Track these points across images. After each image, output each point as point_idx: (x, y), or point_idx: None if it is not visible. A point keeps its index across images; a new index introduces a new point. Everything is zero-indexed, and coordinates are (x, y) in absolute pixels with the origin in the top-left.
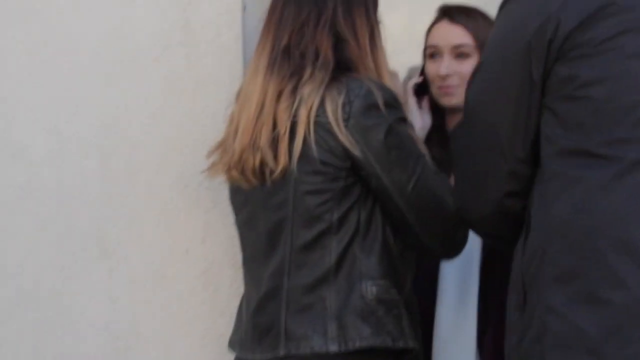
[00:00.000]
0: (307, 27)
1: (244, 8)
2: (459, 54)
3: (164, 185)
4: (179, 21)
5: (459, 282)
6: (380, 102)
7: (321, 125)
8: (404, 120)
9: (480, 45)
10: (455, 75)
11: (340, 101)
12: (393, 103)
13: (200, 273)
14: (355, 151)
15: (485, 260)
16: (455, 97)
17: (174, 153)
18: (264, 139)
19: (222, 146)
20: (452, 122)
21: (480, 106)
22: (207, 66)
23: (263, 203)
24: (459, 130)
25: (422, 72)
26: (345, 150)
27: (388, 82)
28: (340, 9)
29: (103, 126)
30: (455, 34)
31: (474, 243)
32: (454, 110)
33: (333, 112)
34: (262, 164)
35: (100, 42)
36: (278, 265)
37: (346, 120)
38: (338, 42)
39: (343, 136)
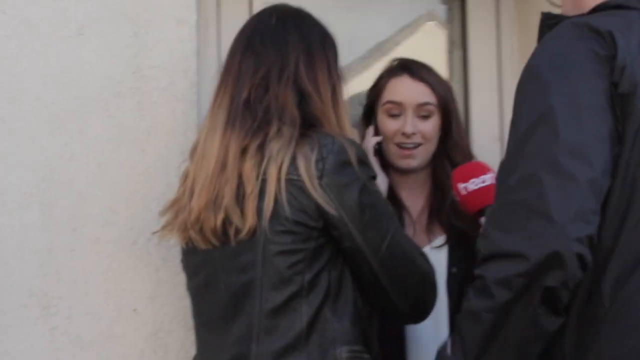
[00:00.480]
0: (270, 82)
1: (198, 53)
2: (422, 112)
3: (111, 240)
4: (130, 66)
5: (429, 344)
6: (353, 159)
7: (293, 183)
8: (374, 178)
9: (440, 104)
10: (418, 133)
11: (312, 158)
12: (365, 160)
13: (149, 334)
14: (330, 210)
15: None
16: (415, 160)
17: (122, 206)
18: (229, 198)
19: (175, 205)
20: (403, 183)
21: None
22: (160, 115)
23: (225, 265)
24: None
25: (376, 128)
26: (319, 209)
27: (352, 137)
28: (302, 65)
29: (45, 176)
30: (420, 92)
31: (441, 304)
32: (406, 171)
33: (306, 170)
34: (225, 223)
35: (44, 86)
36: (244, 330)
37: (320, 178)
38: (302, 98)
39: (317, 194)
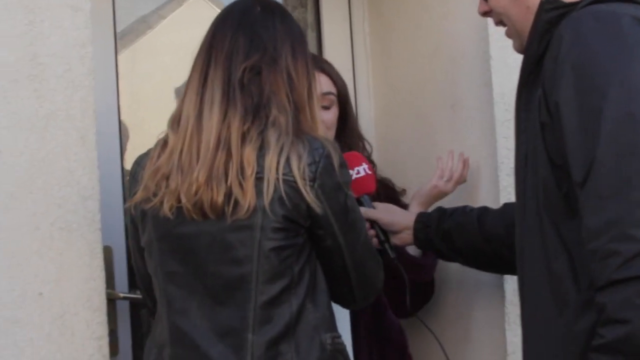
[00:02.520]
0: (263, 66)
1: (94, 40)
2: (325, 102)
3: (14, 226)
4: (26, 54)
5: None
6: (342, 162)
7: (289, 184)
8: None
9: (340, 95)
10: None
11: (305, 160)
12: (345, 164)
13: (55, 317)
14: (320, 211)
15: None
16: None
17: (24, 193)
18: (233, 175)
19: (158, 173)
20: None
21: None
22: (58, 101)
23: (214, 257)
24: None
25: None
26: (309, 209)
27: (320, 131)
28: (290, 56)
29: None
30: (322, 82)
31: None
32: None
33: (299, 171)
34: (225, 199)
35: None
36: (237, 321)
37: (312, 180)
38: (289, 86)
39: (309, 196)
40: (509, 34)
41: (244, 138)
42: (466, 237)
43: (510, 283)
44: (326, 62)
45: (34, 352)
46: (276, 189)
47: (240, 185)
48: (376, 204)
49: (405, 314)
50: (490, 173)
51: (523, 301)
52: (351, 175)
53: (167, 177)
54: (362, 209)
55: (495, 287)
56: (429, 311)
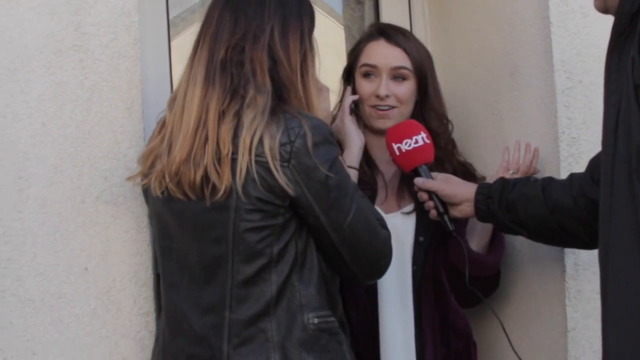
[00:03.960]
0: (246, 44)
1: (140, 9)
2: (397, 75)
3: (59, 199)
4: (71, 24)
5: (397, 298)
6: (320, 141)
7: (260, 163)
8: (339, 155)
9: (416, 68)
10: (393, 96)
11: (278, 140)
12: (331, 140)
13: (101, 292)
14: (294, 191)
15: (416, 271)
16: (390, 121)
17: (69, 165)
18: (209, 156)
19: (152, 153)
20: (378, 145)
21: None
22: (103, 72)
23: (197, 234)
24: None
25: (354, 89)
26: (284, 190)
27: (316, 108)
28: (277, 31)
29: None
30: (395, 56)
31: (406, 271)
32: (381, 132)
33: (270, 151)
34: (203, 180)
35: None
36: (217, 299)
37: (287, 160)
38: (273, 63)
39: (280, 176)
40: None
41: (221, 119)
42: (531, 208)
43: (571, 257)
44: (402, 34)
45: (79, 328)
46: (249, 170)
47: (216, 167)
48: (435, 174)
49: (469, 302)
50: (551, 143)
51: (607, 271)
52: (410, 145)
53: (159, 157)
54: (420, 180)
55: (555, 262)
56: None
